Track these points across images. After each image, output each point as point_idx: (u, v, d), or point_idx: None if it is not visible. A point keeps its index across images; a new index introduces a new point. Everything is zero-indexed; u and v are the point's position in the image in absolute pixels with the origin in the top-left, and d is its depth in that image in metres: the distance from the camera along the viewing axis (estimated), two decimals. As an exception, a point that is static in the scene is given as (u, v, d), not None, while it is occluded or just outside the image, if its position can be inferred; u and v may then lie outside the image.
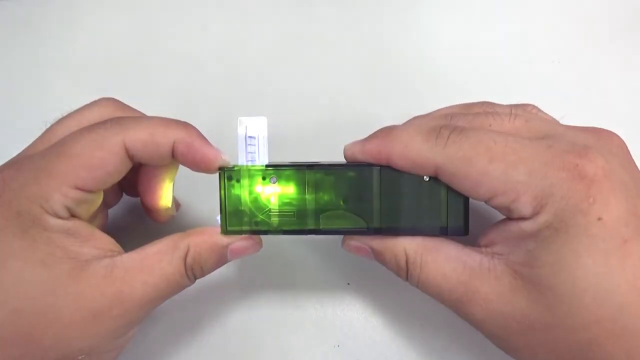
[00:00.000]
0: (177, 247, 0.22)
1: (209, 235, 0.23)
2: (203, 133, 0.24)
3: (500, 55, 0.35)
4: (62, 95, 0.35)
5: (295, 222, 0.22)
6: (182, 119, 0.24)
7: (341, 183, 0.22)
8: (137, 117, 0.23)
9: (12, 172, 0.21)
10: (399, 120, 0.26)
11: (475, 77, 0.32)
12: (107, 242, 0.22)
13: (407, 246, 0.22)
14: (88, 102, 0.26)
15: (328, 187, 0.22)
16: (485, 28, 0.36)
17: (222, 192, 0.22)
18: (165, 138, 0.22)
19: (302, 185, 0.22)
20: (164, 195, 0.25)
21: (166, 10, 0.38)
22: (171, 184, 0.25)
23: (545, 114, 0.24)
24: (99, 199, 0.23)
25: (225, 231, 0.23)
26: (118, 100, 0.25)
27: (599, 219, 0.19)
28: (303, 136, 0.32)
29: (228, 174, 0.22)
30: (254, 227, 0.22)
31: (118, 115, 0.24)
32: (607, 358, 0.19)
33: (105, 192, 0.24)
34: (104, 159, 0.21)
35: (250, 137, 0.23)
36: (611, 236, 0.19)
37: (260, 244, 0.24)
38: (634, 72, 0.33)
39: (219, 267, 0.24)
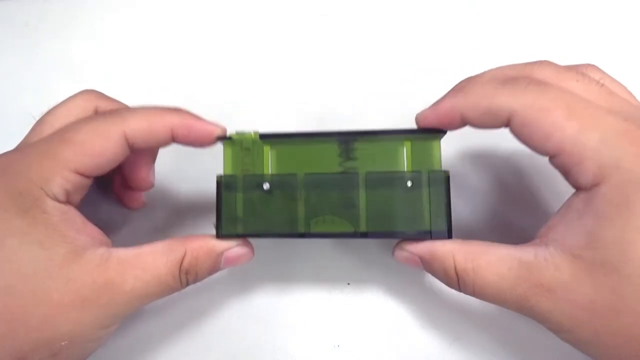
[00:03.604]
0: (174, 250, 0.22)
1: (206, 241, 0.23)
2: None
3: (500, 56, 0.35)
4: (61, 95, 0.35)
5: (287, 226, 0.23)
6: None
7: (330, 190, 0.23)
8: (135, 108, 0.24)
9: (15, 156, 0.22)
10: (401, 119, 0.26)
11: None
12: (98, 233, 0.23)
13: (455, 253, 0.21)
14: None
15: (318, 194, 0.23)
16: (487, 26, 0.36)
17: (218, 197, 0.23)
18: (163, 125, 0.23)
19: (294, 188, 0.23)
20: (151, 175, 0.27)
21: (166, 10, 0.38)
22: (154, 165, 0.27)
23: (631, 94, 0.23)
24: (88, 186, 0.24)
25: (220, 235, 0.23)
26: (99, 92, 0.26)
27: None
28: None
29: (225, 182, 0.23)
30: (248, 231, 0.23)
31: (101, 104, 0.25)
32: None
33: None
34: (106, 147, 0.22)
35: (246, 148, 0.24)
36: None
37: (252, 252, 0.24)
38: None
39: (212, 274, 0.24)
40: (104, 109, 0.25)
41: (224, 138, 0.24)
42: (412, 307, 0.27)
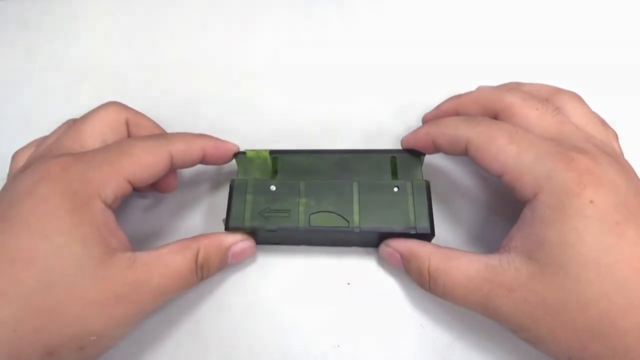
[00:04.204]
0: (189, 247, 0.25)
1: (215, 237, 0.26)
2: (205, 132, 0.28)
3: (500, 57, 0.35)
4: (62, 95, 0.35)
5: (290, 221, 0.26)
6: (182, 120, 0.28)
7: (329, 191, 0.26)
8: (175, 133, 0.28)
9: (72, 160, 0.24)
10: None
11: (480, 76, 0.32)
12: (124, 238, 0.25)
13: (431, 255, 0.24)
14: (87, 101, 0.28)
15: (318, 194, 0.26)
16: (487, 25, 0.36)
17: (230, 197, 0.26)
18: (198, 147, 0.27)
19: (296, 191, 0.26)
20: (176, 181, 0.30)
21: (165, 11, 0.38)
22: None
23: (589, 110, 0.26)
24: (127, 196, 0.26)
25: (228, 227, 0.26)
26: (124, 104, 0.29)
27: (591, 201, 0.21)
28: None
29: (237, 185, 0.27)
30: (253, 224, 0.26)
31: (130, 115, 0.28)
32: (622, 332, 0.20)
33: None
34: (155, 162, 0.25)
35: (257, 162, 0.28)
36: (604, 217, 0.20)
37: (254, 248, 0.27)
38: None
39: (221, 268, 0.26)
40: (132, 120, 0.28)
41: (239, 154, 0.28)
42: (412, 307, 0.27)
